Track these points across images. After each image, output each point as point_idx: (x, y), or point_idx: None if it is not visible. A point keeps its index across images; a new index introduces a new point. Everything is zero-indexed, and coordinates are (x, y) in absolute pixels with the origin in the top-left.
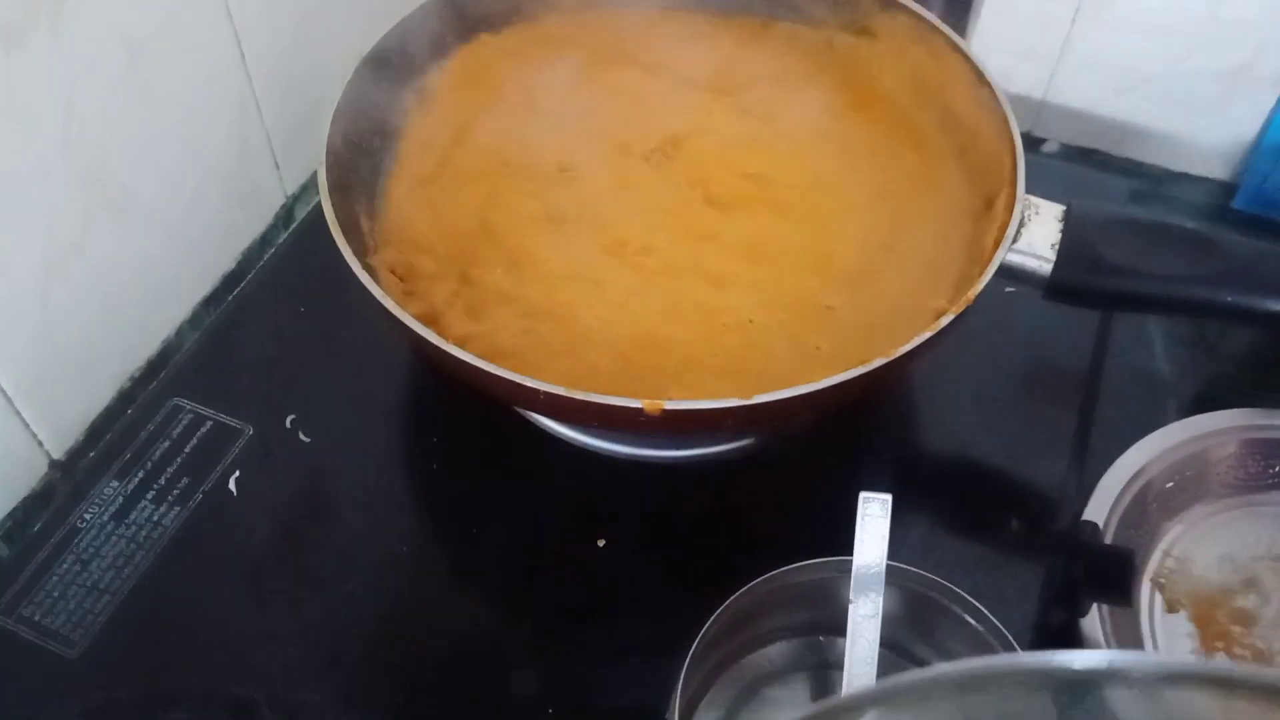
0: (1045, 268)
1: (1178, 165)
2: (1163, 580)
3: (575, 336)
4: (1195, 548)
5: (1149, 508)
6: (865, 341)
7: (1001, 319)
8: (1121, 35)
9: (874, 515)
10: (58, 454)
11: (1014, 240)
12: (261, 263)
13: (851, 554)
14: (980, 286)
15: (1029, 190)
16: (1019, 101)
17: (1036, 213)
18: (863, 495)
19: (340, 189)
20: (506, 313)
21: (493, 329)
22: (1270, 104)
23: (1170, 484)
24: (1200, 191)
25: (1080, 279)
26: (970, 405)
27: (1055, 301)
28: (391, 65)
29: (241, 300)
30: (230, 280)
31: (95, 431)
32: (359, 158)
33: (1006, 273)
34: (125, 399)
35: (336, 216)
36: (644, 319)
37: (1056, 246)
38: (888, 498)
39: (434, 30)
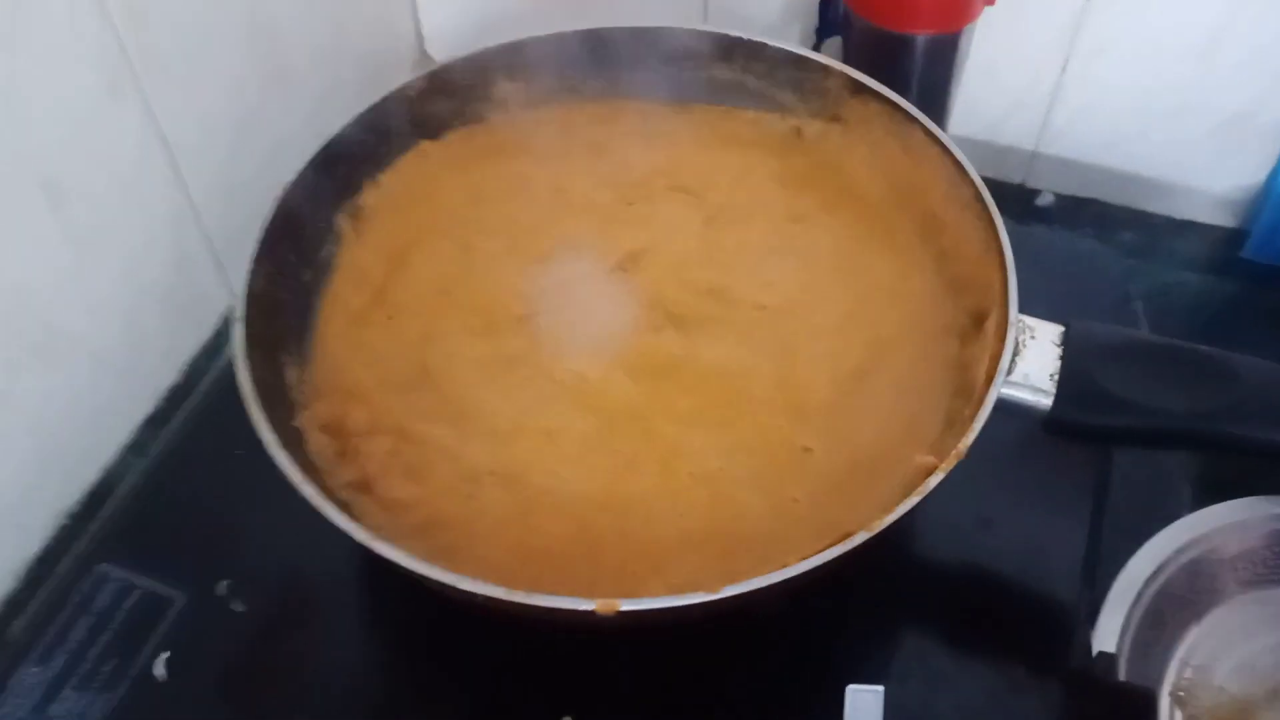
0: (1044, 402)
1: (1182, 214)
2: (1182, 693)
3: (526, 499)
4: (1215, 655)
5: (1164, 614)
6: (845, 489)
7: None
8: (1114, 82)
9: (864, 708)
10: None
11: (1008, 372)
12: (208, 375)
13: None
14: (971, 438)
15: (1022, 253)
16: (1009, 153)
17: (1032, 337)
18: (850, 688)
19: (261, 341)
20: (449, 473)
21: (434, 493)
22: (1270, 151)
23: (1185, 586)
24: (1207, 241)
25: (1084, 415)
26: (969, 532)
27: (1055, 437)
28: (321, 185)
29: (184, 424)
30: (175, 396)
31: (31, 580)
32: (286, 296)
33: (1001, 408)
34: (63, 540)
35: (254, 380)
36: (602, 473)
37: (1056, 377)
38: (879, 690)
39: (370, 141)
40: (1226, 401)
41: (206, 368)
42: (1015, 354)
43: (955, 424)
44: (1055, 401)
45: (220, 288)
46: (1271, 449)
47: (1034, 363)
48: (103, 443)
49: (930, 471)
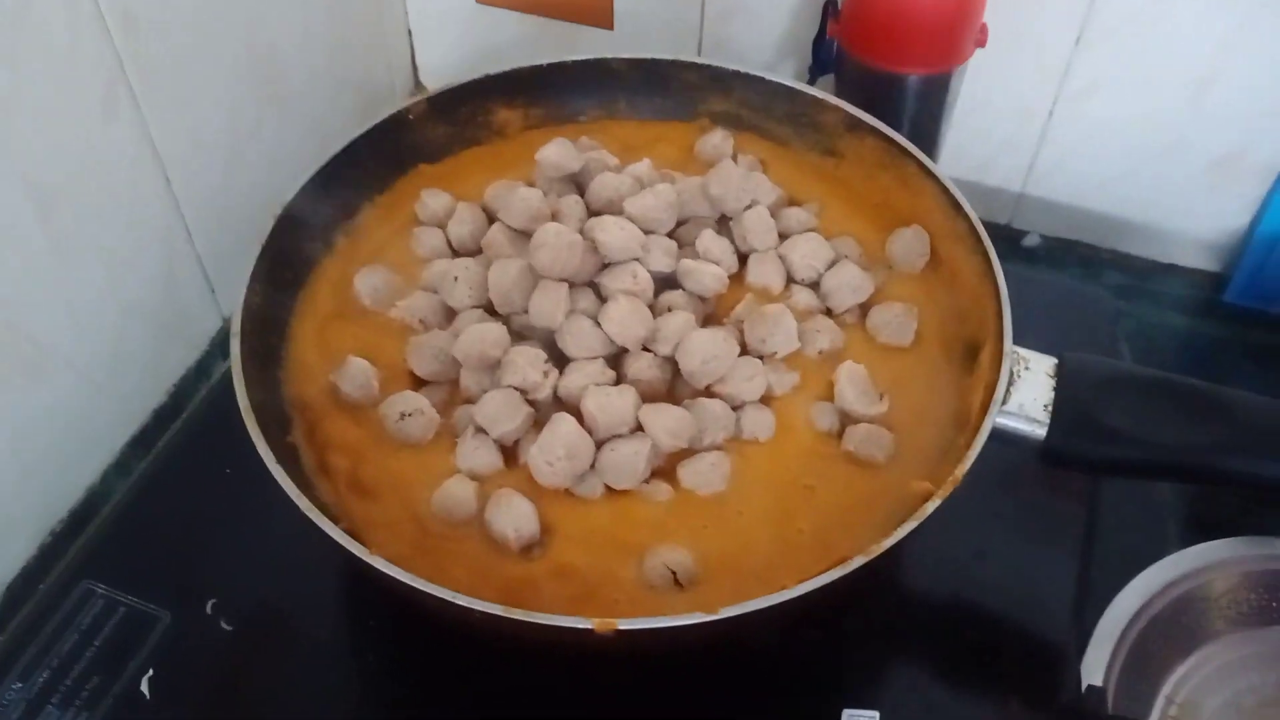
0: (1039, 432)
1: (1166, 257)
2: None
3: None
4: (1201, 693)
5: (1151, 650)
6: (846, 519)
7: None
8: (1101, 126)
9: None
10: None
11: (1003, 402)
12: (198, 396)
13: None
14: (968, 464)
15: (1009, 292)
16: (997, 194)
17: (1026, 368)
18: (847, 713)
19: (256, 356)
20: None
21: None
22: (1260, 194)
23: (1172, 623)
24: (1189, 284)
25: (1077, 446)
26: (963, 564)
27: (1050, 468)
28: (320, 204)
29: (171, 446)
30: (164, 415)
31: (12, 598)
32: (279, 313)
33: (996, 437)
34: (46, 557)
35: (249, 395)
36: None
37: (1050, 407)
38: (874, 715)
39: (369, 163)
40: (1219, 435)
41: (195, 389)
42: (1010, 385)
43: (951, 452)
44: (1049, 432)
45: (210, 309)
46: (1262, 483)
47: (1028, 393)
48: (87, 462)
49: (927, 498)
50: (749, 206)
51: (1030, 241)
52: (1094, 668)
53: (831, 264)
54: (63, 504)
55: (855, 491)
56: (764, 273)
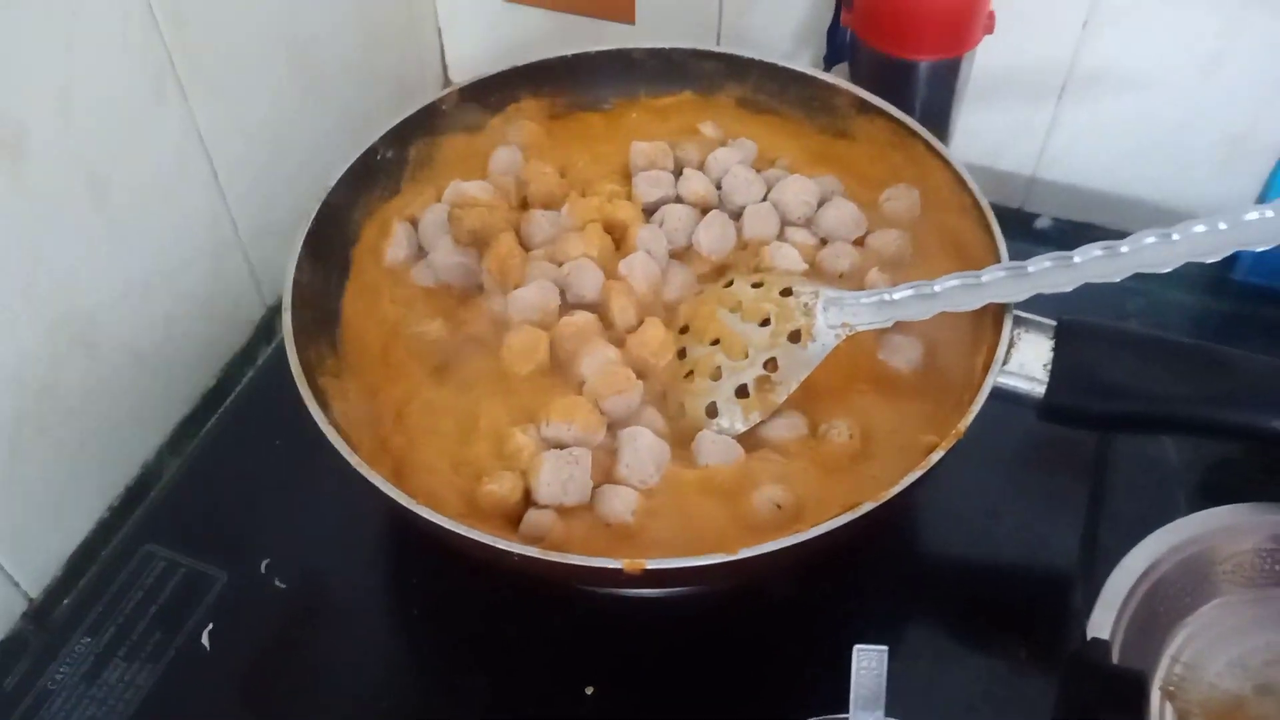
0: (1038, 389)
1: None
2: (1173, 689)
3: None
4: (1205, 652)
5: (1157, 610)
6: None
7: (999, 422)
8: (1112, 108)
9: (869, 669)
10: (34, 593)
11: (1004, 362)
12: (245, 379)
13: (848, 709)
14: (970, 418)
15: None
16: (1009, 178)
17: (1026, 330)
18: (857, 648)
19: (303, 328)
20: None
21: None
22: (1266, 172)
23: (1178, 584)
24: (1200, 263)
25: (1076, 401)
26: (970, 521)
27: (1051, 423)
28: (361, 185)
29: (222, 423)
30: (212, 398)
31: (73, 569)
32: (321, 288)
33: (998, 396)
34: (103, 532)
35: (300, 361)
36: None
37: (1049, 367)
38: (883, 650)
39: (406, 149)
40: (1215, 389)
41: (241, 373)
42: (1011, 346)
43: (957, 410)
44: (1049, 389)
45: (254, 296)
46: (1258, 434)
47: (1029, 354)
48: (142, 440)
49: (932, 449)
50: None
51: (1042, 224)
52: (1100, 626)
53: (823, 201)
54: (120, 480)
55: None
56: (758, 225)
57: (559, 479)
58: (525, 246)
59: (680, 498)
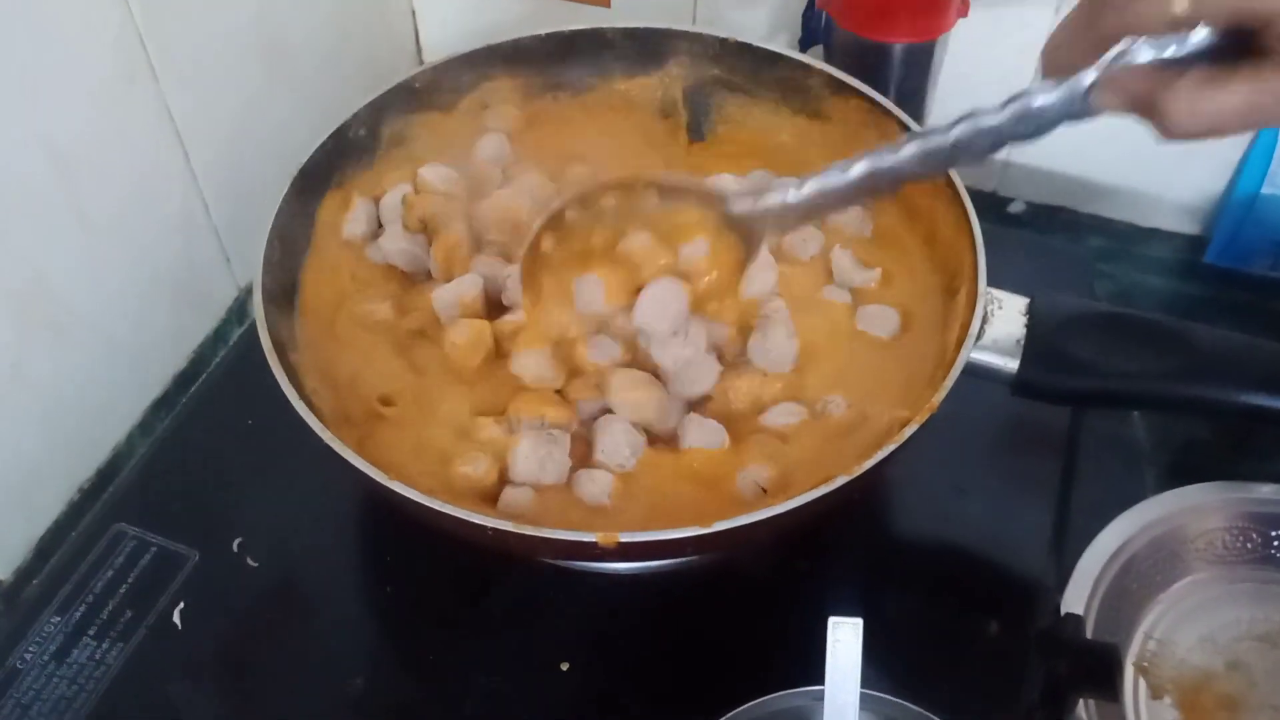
0: (1011, 365)
1: (1147, 221)
2: (1146, 664)
3: None
4: (1177, 629)
5: (1129, 588)
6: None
7: (972, 402)
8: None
9: (844, 641)
10: (4, 574)
11: (978, 338)
12: (215, 361)
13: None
14: (943, 393)
15: (995, 256)
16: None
17: (1000, 307)
18: (832, 621)
19: (278, 304)
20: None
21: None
22: (1236, 157)
23: (1150, 562)
24: (1171, 247)
25: (1047, 377)
26: (943, 499)
27: (1023, 398)
28: (333, 164)
29: (193, 404)
30: (184, 380)
31: (43, 551)
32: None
33: (971, 372)
34: (74, 513)
35: (271, 336)
36: None
37: (1021, 342)
38: (858, 622)
39: (378, 127)
40: (1182, 364)
41: (213, 354)
42: (984, 323)
43: (931, 386)
44: (1021, 365)
45: (226, 279)
46: (1223, 408)
47: (1002, 330)
48: (113, 422)
49: (905, 424)
50: None
51: (1015, 208)
52: (1074, 602)
53: None
54: (90, 463)
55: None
56: None
57: (536, 456)
58: (478, 240)
59: (659, 481)
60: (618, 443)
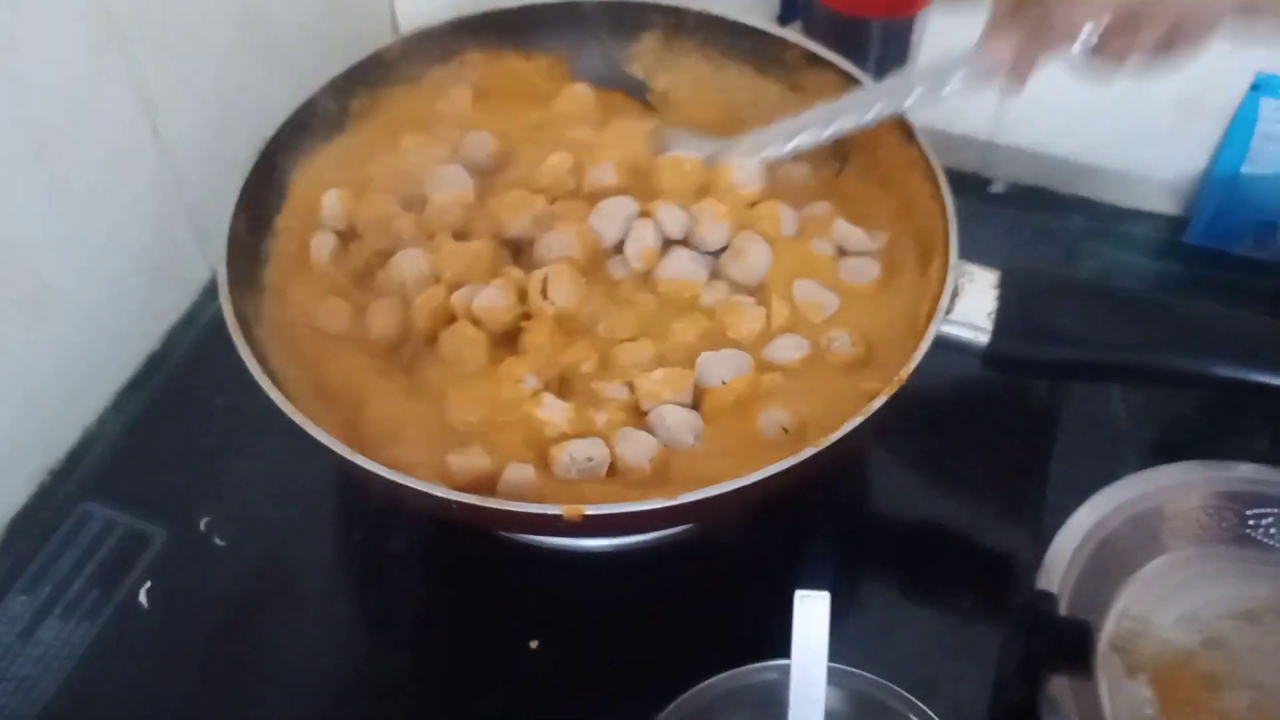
0: (982, 339)
1: (1128, 202)
2: (1122, 643)
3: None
4: (1154, 607)
5: (1106, 566)
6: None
7: (949, 376)
8: (1064, 72)
9: (812, 614)
10: None
11: (948, 311)
12: (188, 340)
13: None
14: (913, 365)
15: (977, 236)
16: (965, 142)
17: (971, 280)
18: (799, 594)
19: (242, 284)
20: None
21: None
22: (1217, 137)
23: (1126, 541)
24: (1152, 227)
25: (1019, 349)
26: (918, 471)
27: (995, 372)
28: (299, 139)
29: (163, 384)
30: (156, 360)
31: (11, 531)
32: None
33: (943, 344)
34: (43, 494)
35: (237, 318)
36: None
37: (993, 315)
38: (825, 595)
39: (346, 101)
40: (1157, 335)
41: (185, 335)
42: (955, 296)
43: (901, 359)
44: (992, 337)
45: (198, 259)
46: (1198, 379)
47: (973, 303)
48: (84, 403)
49: (874, 396)
50: None
51: (997, 189)
52: (1049, 579)
53: None
54: (61, 445)
55: None
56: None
57: (581, 456)
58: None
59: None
60: (637, 453)
